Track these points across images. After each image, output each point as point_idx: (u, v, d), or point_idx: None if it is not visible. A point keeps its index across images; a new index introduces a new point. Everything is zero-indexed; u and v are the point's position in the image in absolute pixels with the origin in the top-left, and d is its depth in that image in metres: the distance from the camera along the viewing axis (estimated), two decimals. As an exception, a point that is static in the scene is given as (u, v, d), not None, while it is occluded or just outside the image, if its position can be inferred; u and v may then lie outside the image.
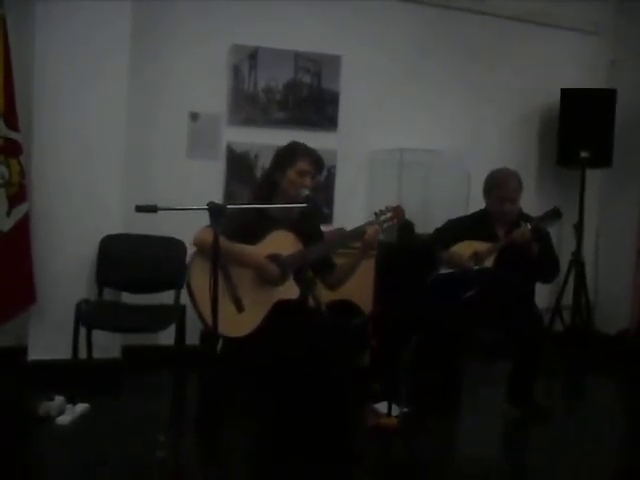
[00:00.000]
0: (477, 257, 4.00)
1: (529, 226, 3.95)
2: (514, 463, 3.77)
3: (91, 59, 4.30)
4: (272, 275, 3.24)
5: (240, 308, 3.06)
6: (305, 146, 3.47)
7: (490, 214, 4.20)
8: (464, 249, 4.03)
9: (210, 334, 2.89)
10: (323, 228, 3.67)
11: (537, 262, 4.00)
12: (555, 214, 4.04)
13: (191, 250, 3.32)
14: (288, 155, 3.42)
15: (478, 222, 4.21)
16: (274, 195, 3.42)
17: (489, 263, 3.98)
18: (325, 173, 5.15)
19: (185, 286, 3.23)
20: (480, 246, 4.02)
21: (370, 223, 3.36)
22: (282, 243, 3.31)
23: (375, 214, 3.40)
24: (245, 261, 3.21)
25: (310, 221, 3.53)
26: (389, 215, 3.39)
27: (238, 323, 3.11)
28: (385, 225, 3.39)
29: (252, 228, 3.27)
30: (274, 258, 3.27)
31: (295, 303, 3.28)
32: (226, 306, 2.78)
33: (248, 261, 3.22)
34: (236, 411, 3.45)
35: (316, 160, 3.44)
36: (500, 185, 4.11)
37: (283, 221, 3.37)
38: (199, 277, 3.14)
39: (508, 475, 3.55)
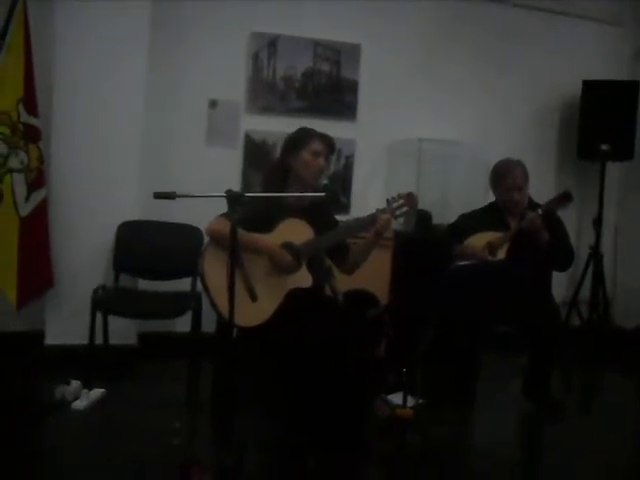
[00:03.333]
0: (491, 247, 3.98)
1: (540, 211, 3.92)
2: (529, 457, 3.74)
3: (111, 46, 4.31)
4: (287, 263, 3.24)
5: (254, 297, 3.05)
6: (314, 130, 3.47)
7: (501, 206, 4.18)
8: (478, 241, 4.02)
9: (225, 323, 2.88)
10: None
11: (549, 250, 3.97)
12: (565, 197, 3.98)
13: (207, 238, 3.33)
14: (299, 137, 3.43)
15: (490, 214, 4.21)
16: (287, 181, 3.42)
17: (502, 253, 3.96)
18: (343, 162, 5.14)
19: (198, 276, 3.24)
20: (493, 236, 4.00)
21: (382, 210, 3.34)
22: (295, 231, 3.30)
23: (387, 201, 3.38)
24: (259, 249, 3.21)
25: (323, 209, 3.52)
26: (401, 202, 3.36)
27: (252, 312, 3.11)
28: (397, 212, 3.36)
29: (265, 216, 3.26)
30: (287, 246, 3.27)
31: (310, 292, 3.28)
32: (239, 296, 2.78)
33: (262, 249, 3.22)
34: (251, 399, 3.45)
35: (328, 140, 3.44)
36: (506, 175, 4.11)
37: (296, 209, 3.36)
38: (213, 267, 3.15)
39: (523, 469, 3.54)
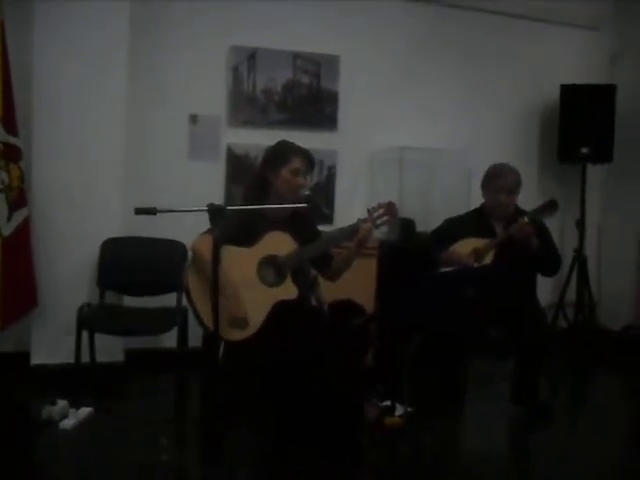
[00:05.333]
0: (477, 254, 3.98)
1: (526, 219, 3.93)
2: (518, 462, 3.75)
3: (89, 63, 4.31)
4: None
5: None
6: (294, 144, 3.47)
7: (486, 211, 4.19)
8: (463, 247, 4.01)
9: (212, 337, 2.88)
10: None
11: (538, 256, 3.98)
12: (551, 206, 3.99)
13: (191, 254, 3.33)
14: (279, 154, 3.43)
15: (475, 220, 4.20)
16: (266, 195, 3.42)
17: (488, 260, 3.96)
18: (325, 173, 5.15)
19: (183, 291, 3.23)
20: (478, 243, 4.00)
21: (364, 220, 3.36)
22: (278, 244, 3.31)
23: (368, 211, 3.39)
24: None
25: (306, 220, 3.53)
26: (381, 211, 3.37)
27: None
28: (378, 221, 3.38)
29: (247, 229, 3.27)
30: (270, 260, 3.28)
31: (296, 303, 3.28)
32: (225, 310, 2.78)
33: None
34: (239, 413, 3.44)
35: (308, 158, 3.44)
36: (498, 176, 4.10)
37: (277, 220, 3.38)
38: (197, 282, 3.15)
39: (512, 474, 3.54)
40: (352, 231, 3.35)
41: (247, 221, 3.27)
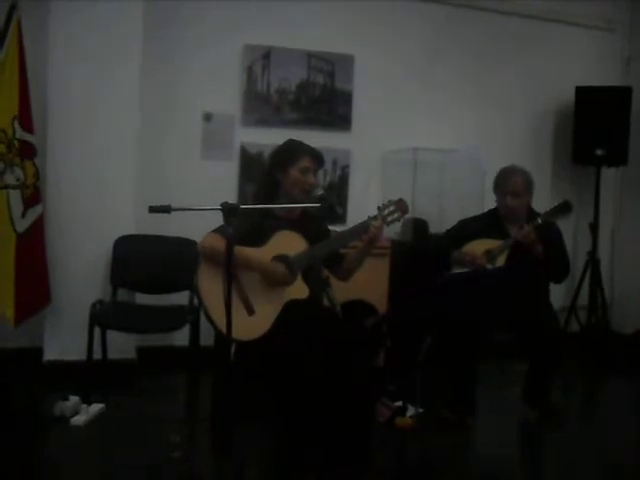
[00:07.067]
0: (489, 255, 3.97)
1: (539, 221, 3.90)
2: (529, 465, 3.73)
3: (104, 61, 4.33)
4: (280, 276, 3.22)
5: (250, 311, 3.03)
6: (303, 143, 3.46)
7: (500, 212, 4.18)
8: (476, 248, 4.00)
9: (223, 337, 2.88)
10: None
11: (543, 262, 3.96)
12: (565, 207, 3.96)
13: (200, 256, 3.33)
14: (288, 154, 3.41)
15: (489, 221, 4.18)
16: (276, 195, 3.41)
17: (501, 261, 3.95)
18: (339, 172, 5.15)
19: (195, 294, 3.23)
20: (492, 244, 3.99)
21: (374, 218, 3.35)
22: (288, 243, 3.30)
23: (378, 208, 3.38)
24: (251, 266, 3.19)
25: (315, 219, 3.52)
26: (392, 208, 3.35)
27: (250, 326, 3.10)
28: (389, 219, 3.35)
29: (257, 229, 3.26)
30: (281, 259, 3.27)
31: (307, 303, 3.27)
32: (237, 310, 2.77)
33: (254, 266, 3.20)
34: (250, 411, 3.44)
35: (317, 156, 3.43)
36: (505, 180, 4.09)
37: (287, 220, 3.37)
38: (208, 282, 3.14)
39: (523, 476, 3.53)
40: (362, 229, 3.33)
41: (257, 221, 3.27)
